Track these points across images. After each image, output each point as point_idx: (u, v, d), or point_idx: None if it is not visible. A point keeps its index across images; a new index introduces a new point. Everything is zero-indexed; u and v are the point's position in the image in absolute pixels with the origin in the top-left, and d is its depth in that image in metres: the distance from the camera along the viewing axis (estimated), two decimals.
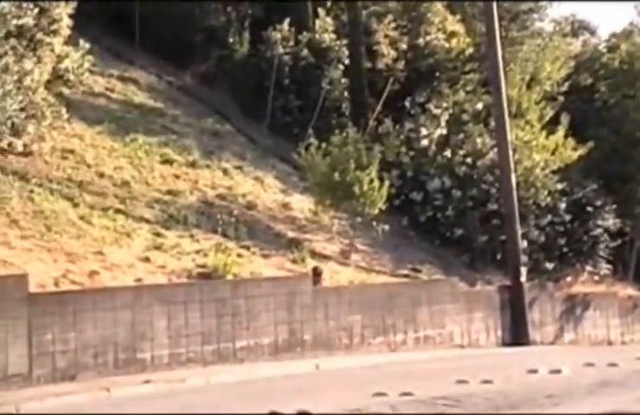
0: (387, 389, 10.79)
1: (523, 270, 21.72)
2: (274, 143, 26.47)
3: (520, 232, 22.18)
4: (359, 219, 22.08)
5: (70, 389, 11.68)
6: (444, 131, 26.29)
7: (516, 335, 20.91)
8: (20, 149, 18.49)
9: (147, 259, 16.99)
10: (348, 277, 20.00)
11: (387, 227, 22.65)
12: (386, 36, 29.20)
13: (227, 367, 14.39)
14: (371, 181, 21.26)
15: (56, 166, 19.28)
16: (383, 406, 9.90)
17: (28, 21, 17.08)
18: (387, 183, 21.82)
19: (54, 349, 12.63)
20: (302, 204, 23.29)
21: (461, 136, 26.15)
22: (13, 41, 15.88)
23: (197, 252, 18.08)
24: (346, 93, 27.93)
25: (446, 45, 29.74)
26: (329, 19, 28.36)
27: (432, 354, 17.72)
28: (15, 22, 15.19)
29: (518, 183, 23.10)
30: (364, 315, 17.40)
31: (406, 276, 21.75)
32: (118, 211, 18.44)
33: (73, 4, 19.93)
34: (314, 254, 20.46)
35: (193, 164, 22.47)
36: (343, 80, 27.84)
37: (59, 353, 12.64)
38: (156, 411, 10.21)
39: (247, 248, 19.22)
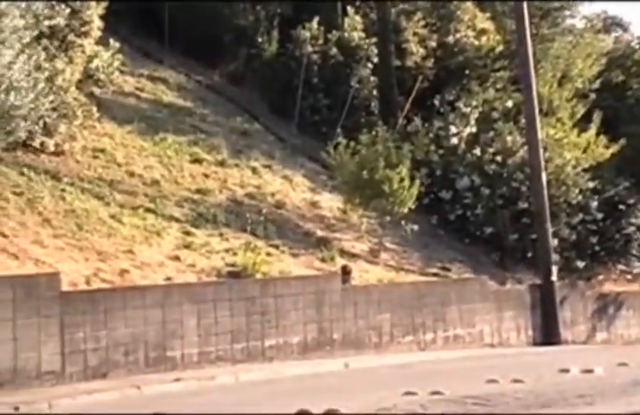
0: (416, 388, 10.75)
1: (554, 268, 21.53)
2: (303, 142, 26.47)
3: (551, 230, 21.98)
4: (388, 218, 22.03)
5: (101, 387, 11.77)
6: (474, 130, 26.12)
7: (547, 334, 20.73)
8: (52, 148, 18.68)
9: (177, 258, 17.07)
10: (377, 276, 19.95)
11: (416, 226, 22.58)
12: (415, 34, 29.10)
13: (256, 365, 14.42)
14: (401, 179, 21.20)
15: (87, 165, 19.44)
16: (413, 405, 9.85)
17: (60, 21, 17.24)
18: (416, 182, 21.75)
19: (85, 347, 12.72)
20: (331, 203, 23.27)
21: (491, 134, 25.96)
22: (45, 42, 16.04)
23: (226, 250, 18.14)
24: (375, 92, 27.86)
25: (476, 42, 29.59)
26: (357, 17, 28.32)
27: (462, 353, 17.63)
28: (47, 22, 15.33)
29: (549, 181, 22.89)
30: (393, 313, 17.35)
31: (435, 275, 21.65)
32: (148, 210, 18.55)
33: (104, 4, 20.09)
34: (343, 253, 20.44)
35: (222, 163, 22.55)
36: (372, 79, 27.78)
37: (90, 351, 12.73)
38: (186, 409, 10.25)
39: (276, 247, 19.25)
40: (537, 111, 22.61)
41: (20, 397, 11.02)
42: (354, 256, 20.61)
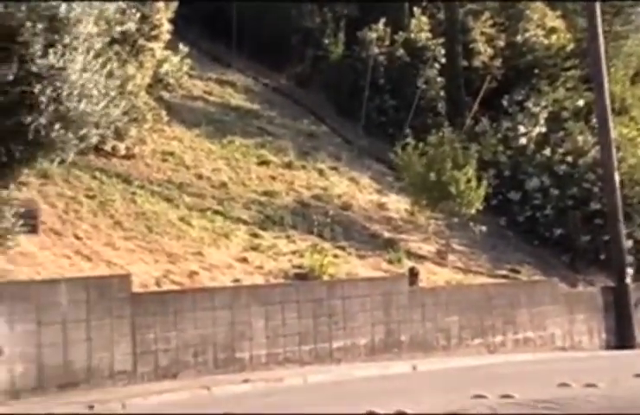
0: (485, 391, 10.61)
1: (629, 270, 21.07)
2: (369, 144, 26.43)
3: (624, 231, 21.49)
4: (455, 219, 21.84)
5: (172, 387, 11.92)
6: (543, 130, 25.74)
7: (621, 337, 20.27)
8: (123, 152, 19.03)
9: (245, 260, 17.21)
10: (445, 278, 19.78)
11: (484, 228, 22.33)
12: (482, 34, 28.81)
13: (323, 367, 14.42)
14: (468, 180, 21.01)
15: (157, 168, 19.75)
16: (482, 408, 9.72)
17: (131, 27, 17.55)
18: (484, 183, 21.52)
19: (156, 348, 12.90)
20: (398, 204, 23.18)
21: (561, 134, 25.54)
22: (117, 47, 16.35)
23: (294, 252, 18.21)
24: (442, 92, 27.68)
25: (546, 41, 29.15)
26: (424, 18, 28.19)
27: (532, 356, 17.35)
28: (118, 28, 15.62)
29: (622, 181, 22.37)
30: (462, 316, 17.17)
31: (504, 277, 21.37)
32: (216, 212, 18.75)
33: (174, 9, 20.39)
34: (410, 254, 20.33)
35: (289, 165, 22.65)
36: (439, 79, 27.60)
37: (161, 351, 12.90)
38: (256, 410, 10.31)
39: (343, 249, 19.25)
40: (609, 109, 22.13)
41: (94, 396, 11.24)
42: (421, 258, 20.47)
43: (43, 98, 11.73)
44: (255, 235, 18.42)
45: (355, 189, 23.16)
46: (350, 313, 15.39)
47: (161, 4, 19.75)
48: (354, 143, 26.03)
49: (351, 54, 27.67)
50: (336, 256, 18.60)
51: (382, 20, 27.30)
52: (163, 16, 19.87)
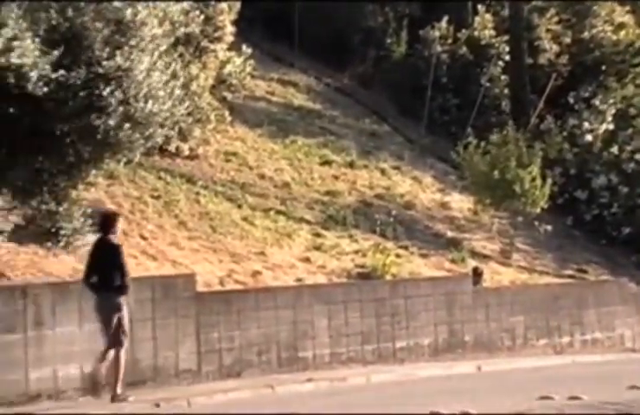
0: (552, 392, 10.42)
1: None
2: (432, 143, 26.28)
3: None
4: (520, 218, 21.55)
5: (236, 386, 11.99)
6: (611, 127, 25.22)
7: None
8: (187, 152, 19.26)
9: (307, 260, 17.25)
10: (510, 278, 19.53)
11: (549, 227, 21.98)
12: (548, 31, 28.43)
13: (387, 366, 14.36)
14: (533, 179, 20.72)
15: (220, 168, 19.93)
16: (549, 410, 9.54)
17: (195, 29, 17.76)
18: (549, 181, 21.19)
19: (220, 347, 12.99)
20: (460, 203, 22.98)
21: (629, 131, 25.01)
22: (181, 49, 16.54)
23: (356, 252, 18.19)
24: (506, 90, 27.39)
25: (614, 37, 28.61)
26: (488, 15, 27.92)
27: (601, 357, 16.98)
28: (182, 30, 15.81)
29: None
30: (527, 316, 16.91)
31: (571, 276, 21.01)
32: (279, 212, 18.84)
33: (237, 10, 20.55)
34: (474, 254, 20.13)
35: (351, 165, 22.65)
36: (503, 77, 27.32)
37: (225, 350, 13.00)
38: (320, 409, 10.30)
39: (406, 248, 19.15)
40: None
41: (160, 394, 11.38)
42: (485, 257, 20.25)
43: (112, 101, 11.93)
44: (318, 235, 18.45)
45: (418, 188, 23.03)
46: (413, 313, 15.30)
47: (224, 6, 19.93)
48: (416, 143, 25.90)
49: (413, 52, 27.55)
50: (398, 255, 18.51)
51: (445, 18, 27.12)
52: (226, 18, 20.05)
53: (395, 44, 28.07)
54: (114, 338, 10.72)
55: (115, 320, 10.72)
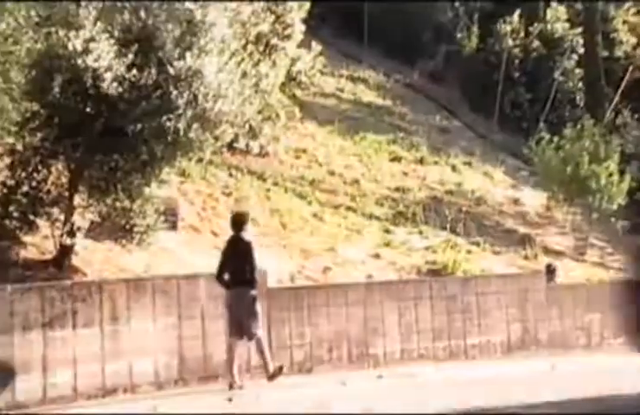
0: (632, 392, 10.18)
1: None
2: (503, 138, 25.95)
3: None
4: (595, 214, 21.10)
5: (307, 381, 12.04)
6: None
7: None
8: (257, 150, 19.41)
9: (377, 256, 17.20)
10: (584, 275, 19.13)
11: (626, 223, 21.47)
12: (625, 22, 27.73)
13: (458, 363, 14.22)
14: (610, 175, 20.26)
15: (290, 165, 20.03)
16: (633, 409, 9.32)
17: (264, 27, 17.90)
18: (627, 177, 20.69)
19: (291, 343, 13.05)
20: (533, 199, 22.62)
21: None
22: (250, 47, 16.69)
23: (426, 248, 18.06)
24: (580, 84, 26.85)
25: None
26: (561, 8, 27.41)
27: None
28: (252, 29, 15.96)
29: None
30: (603, 314, 16.53)
31: None
32: (348, 208, 18.83)
33: (306, 8, 20.62)
34: (547, 251, 19.78)
35: (421, 161, 22.52)
36: (577, 71, 26.80)
37: (296, 346, 13.05)
38: (392, 406, 10.27)
39: (477, 244, 18.93)
40: None
41: (232, 389, 11.48)
42: (558, 254, 19.88)
43: (181, 102, 12.10)
44: (388, 231, 18.39)
45: (489, 184, 22.76)
46: (485, 310, 15.11)
47: (294, 4, 20.02)
48: (487, 138, 25.62)
49: (485, 47, 27.24)
50: (469, 252, 18.32)
51: (517, 12, 26.75)
52: (296, 16, 20.13)
53: (466, 39, 27.81)
54: (254, 328, 11.44)
55: (256, 311, 11.44)
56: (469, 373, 13.33)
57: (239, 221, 11.98)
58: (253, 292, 11.50)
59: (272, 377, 11.53)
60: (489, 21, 27.29)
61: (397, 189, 20.60)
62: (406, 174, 21.66)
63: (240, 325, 11.51)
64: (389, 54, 27.66)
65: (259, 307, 11.60)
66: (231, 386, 11.34)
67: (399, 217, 19.16)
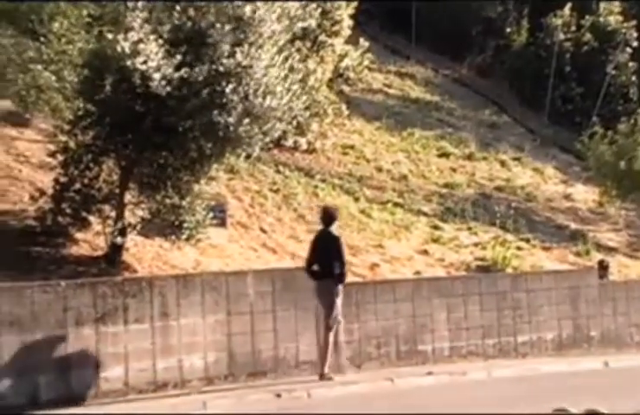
0: None
1: None
2: (554, 133, 25.64)
3: None
4: None
5: (355, 378, 12.01)
6: None
7: None
8: (304, 146, 19.45)
9: (425, 252, 17.12)
10: (638, 271, 18.79)
11: None
12: None
13: (508, 361, 14.07)
14: None
15: (337, 162, 20.03)
16: None
17: (312, 23, 17.90)
18: None
19: (339, 339, 13.03)
20: (584, 195, 22.31)
21: None
22: (298, 44, 16.71)
23: (475, 244, 17.93)
24: (634, 78, 26.37)
25: None
26: (615, 0, 26.96)
27: None
28: (300, 24, 15.97)
29: None
30: None
31: None
32: (396, 204, 18.77)
33: (354, 4, 20.60)
34: (599, 247, 19.49)
35: (470, 157, 22.36)
36: (631, 64, 26.32)
37: (345, 343, 13.03)
38: (440, 402, 10.21)
39: (527, 241, 18.73)
40: None
41: (281, 385, 11.53)
42: (610, 250, 19.58)
43: (232, 97, 12.17)
44: (436, 227, 18.29)
45: (540, 180, 22.50)
46: (535, 306, 14.93)
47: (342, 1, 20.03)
48: (537, 133, 25.34)
49: (535, 41, 26.94)
50: (519, 248, 18.13)
51: (568, 5, 26.38)
52: (344, 12, 20.12)
53: (516, 33, 27.52)
54: (331, 321, 11.63)
55: (333, 304, 11.64)
56: (518, 370, 13.18)
57: (328, 216, 12.22)
58: (339, 286, 11.79)
59: (322, 377, 11.63)
60: (539, 14, 26.95)
61: (445, 185, 20.47)
62: (454, 170, 21.52)
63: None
64: (437, 50, 27.50)
65: (339, 302, 11.80)
66: (322, 376, 11.62)
67: (447, 213, 19.05)
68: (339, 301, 11.79)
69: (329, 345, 11.74)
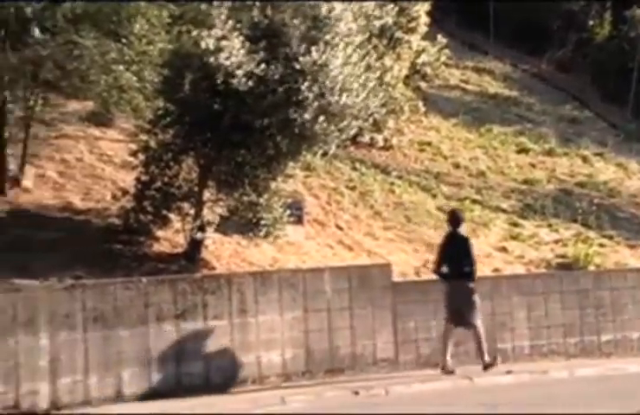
0: None
1: None
2: (638, 128, 24.95)
3: None
4: None
5: (434, 376, 11.92)
6: None
7: None
8: (381, 143, 19.41)
9: (504, 249, 16.88)
10: None
11: None
12: None
13: (591, 360, 13.74)
14: None
15: (414, 158, 19.92)
16: None
17: (389, 20, 17.86)
18: None
19: (416, 337, 12.94)
20: None
21: None
22: (374, 41, 16.69)
23: (556, 242, 17.59)
24: None
25: None
26: None
27: None
28: (376, 22, 15.96)
29: None
30: None
31: None
32: (474, 201, 18.56)
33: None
34: None
35: (550, 152, 21.98)
36: None
37: (422, 340, 12.94)
38: (519, 401, 10.05)
39: (610, 238, 18.27)
40: None
41: (358, 382, 11.53)
42: None
43: (308, 95, 12.23)
44: (515, 224, 18.01)
45: (623, 176, 21.94)
46: (619, 305, 14.55)
47: None
48: (621, 128, 24.70)
49: (618, 34, 26.25)
50: (602, 245, 17.71)
51: None
52: (421, 8, 20.00)
53: (598, 26, 26.89)
54: (473, 318, 12.01)
55: (474, 302, 12.00)
56: (601, 369, 12.87)
57: (455, 218, 12.61)
58: (472, 284, 12.07)
59: (486, 366, 11.95)
60: (622, 6, 26.29)
61: (524, 182, 20.15)
62: (533, 166, 21.16)
63: (458, 314, 12.09)
64: (516, 44, 27.10)
65: (477, 298, 12.09)
66: (443, 370, 11.89)
67: (526, 210, 18.74)
68: (477, 298, 12.10)
69: (480, 337, 12.04)
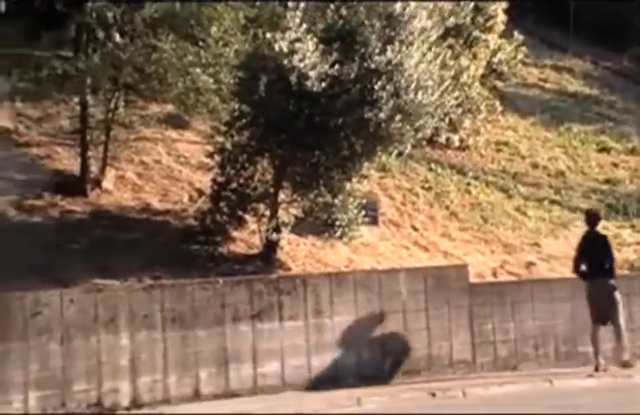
0: None
1: None
2: None
3: None
4: None
5: (512, 379, 11.72)
6: None
7: None
8: (457, 143, 19.20)
9: None
10: None
11: None
12: None
13: None
14: None
15: (491, 158, 19.65)
16: None
17: (465, 19, 17.67)
18: None
19: (494, 339, 12.76)
20: None
21: None
22: (450, 40, 16.52)
23: (639, 243, 17.10)
24: None
25: None
26: None
27: None
28: (452, 21, 15.82)
29: None
30: None
31: None
32: (553, 202, 18.23)
33: None
34: None
35: (632, 151, 21.44)
36: None
37: (499, 342, 12.74)
38: (601, 405, 9.77)
39: None
40: None
41: (435, 383, 11.40)
42: None
43: (383, 94, 12.17)
44: None
45: None
46: None
47: None
48: None
49: None
50: None
51: None
52: (498, 7, 19.74)
53: None
54: (616, 317, 12.17)
55: (616, 299, 12.18)
56: None
57: (593, 218, 12.89)
58: (612, 282, 12.27)
59: (624, 365, 12.11)
60: None
61: (606, 181, 19.69)
62: (615, 165, 20.65)
63: (602, 312, 12.24)
64: (597, 42, 26.49)
65: (618, 296, 12.22)
66: (597, 369, 12.06)
67: (608, 210, 18.26)
68: (618, 295, 12.19)
69: (622, 335, 12.15)
